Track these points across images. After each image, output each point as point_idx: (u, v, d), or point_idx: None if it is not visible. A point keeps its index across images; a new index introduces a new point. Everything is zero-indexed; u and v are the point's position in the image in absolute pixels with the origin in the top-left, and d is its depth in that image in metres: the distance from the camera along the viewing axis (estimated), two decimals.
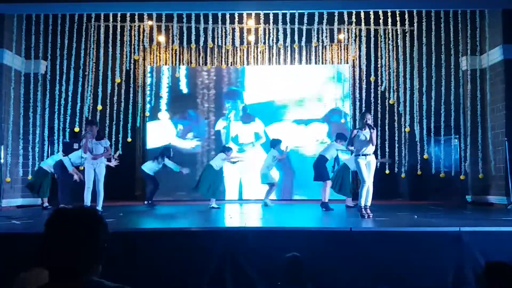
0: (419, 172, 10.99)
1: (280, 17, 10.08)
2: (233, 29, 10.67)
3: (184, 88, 12.86)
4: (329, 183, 9.03)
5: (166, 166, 9.95)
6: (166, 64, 12.76)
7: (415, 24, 10.42)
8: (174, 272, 4.99)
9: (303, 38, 10.44)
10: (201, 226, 6.23)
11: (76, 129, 10.56)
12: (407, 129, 10.90)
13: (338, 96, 12.73)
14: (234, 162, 10.73)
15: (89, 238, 1.59)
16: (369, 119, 7.19)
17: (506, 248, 5.19)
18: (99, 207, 7.21)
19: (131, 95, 11.72)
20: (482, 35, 10.30)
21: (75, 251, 1.55)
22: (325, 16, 9.91)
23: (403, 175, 11.35)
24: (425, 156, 10.90)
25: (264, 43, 11.64)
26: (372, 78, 11.39)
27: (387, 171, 11.39)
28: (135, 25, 11.04)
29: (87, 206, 1.77)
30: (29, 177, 10.04)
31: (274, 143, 10.17)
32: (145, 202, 9.87)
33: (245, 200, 12.02)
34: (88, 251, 1.58)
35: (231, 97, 12.89)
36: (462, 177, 10.49)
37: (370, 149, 7.14)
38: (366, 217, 6.97)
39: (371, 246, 5.32)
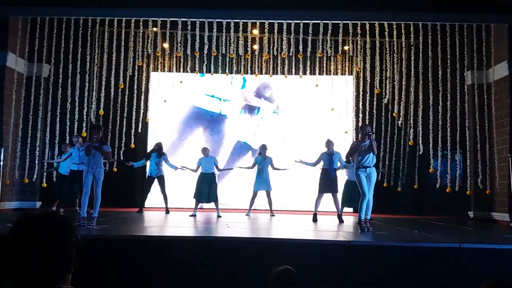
0: (415, 186, 11.00)
1: (284, 27, 10.03)
2: (237, 38, 10.63)
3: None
4: (320, 195, 9.12)
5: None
6: (170, 71, 12.70)
7: (421, 37, 10.35)
8: (167, 280, 4.90)
9: (308, 49, 10.38)
10: (194, 235, 6.15)
11: (83, 134, 10.48)
12: (411, 142, 10.79)
13: (342, 108, 12.65)
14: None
15: (57, 246, 1.47)
16: (369, 130, 7.14)
17: (506, 266, 5.09)
18: (96, 213, 7.12)
19: (135, 101, 11.67)
20: (487, 50, 10.22)
21: (42, 260, 1.45)
22: (330, 27, 9.85)
23: (399, 188, 11.38)
24: (431, 169, 10.74)
25: (269, 52, 11.58)
26: (377, 90, 11.30)
27: (385, 184, 11.36)
28: (139, 31, 11.01)
29: (55, 212, 1.65)
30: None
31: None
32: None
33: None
34: (56, 259, 1.47)
35: None
36: (468, 192, 10.36)
37: (371, 160, 7.06)
38: (365, 230, 6.90)
39: (369, 261, 5.21)
